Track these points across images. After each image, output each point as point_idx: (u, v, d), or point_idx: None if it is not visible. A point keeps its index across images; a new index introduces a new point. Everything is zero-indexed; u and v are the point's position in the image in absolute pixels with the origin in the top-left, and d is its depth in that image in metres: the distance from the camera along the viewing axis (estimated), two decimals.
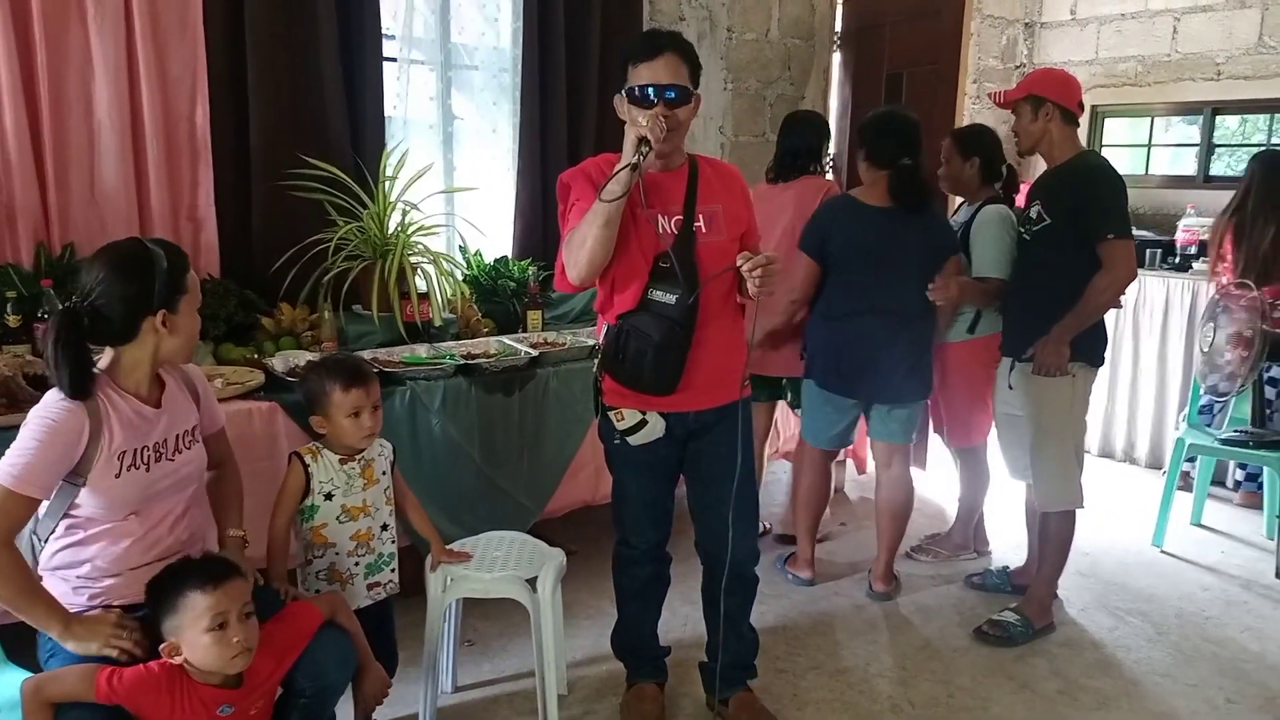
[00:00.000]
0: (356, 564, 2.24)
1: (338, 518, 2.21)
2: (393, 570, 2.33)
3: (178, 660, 1.68)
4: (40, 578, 1.80)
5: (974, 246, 3.22)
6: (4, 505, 1.69)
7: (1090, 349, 2.88)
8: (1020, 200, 3.35)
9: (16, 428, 2.17)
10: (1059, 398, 2.90)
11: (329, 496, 2.19)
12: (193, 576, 1.69)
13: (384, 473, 2.31)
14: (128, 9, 3.03)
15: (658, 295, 2.17)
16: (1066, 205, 2.82)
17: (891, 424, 3.18)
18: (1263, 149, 4.39)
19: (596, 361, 2.32)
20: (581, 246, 2.11)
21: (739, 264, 2.09)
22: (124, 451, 1.80)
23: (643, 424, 2.26)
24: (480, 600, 2.61)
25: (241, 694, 1.76)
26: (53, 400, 1.76)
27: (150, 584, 1.74)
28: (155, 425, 1.88)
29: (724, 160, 2.43)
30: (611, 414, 2.29)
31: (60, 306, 1.82)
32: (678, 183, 2.24)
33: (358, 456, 2.25)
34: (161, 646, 1.69)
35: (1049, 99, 2.86)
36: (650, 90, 2.12)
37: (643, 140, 2.05)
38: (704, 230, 2.23)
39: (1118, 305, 3.00)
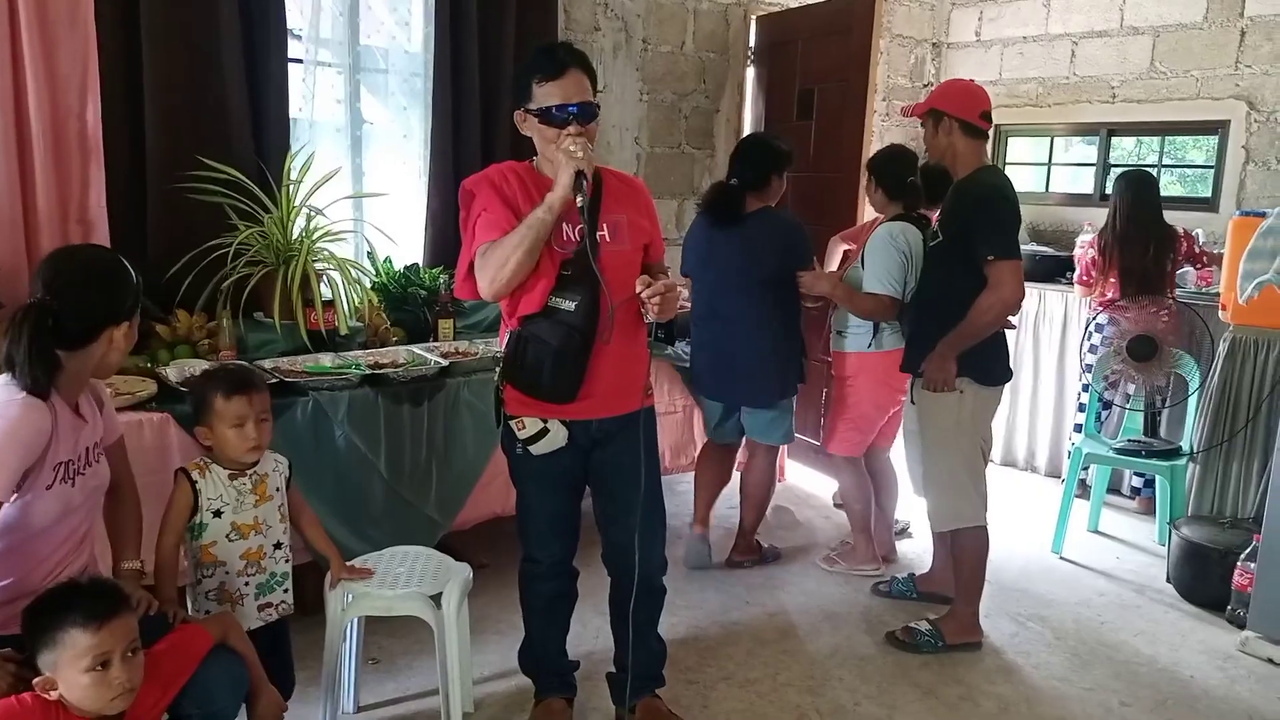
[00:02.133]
0: (247, 583, 2.13)
1: (227, 535, 2.11)
2: (285, 590, 2.22)
3: (53, 696, 1.58)
4: None
5: (864, 265, 3.33)
6: None
7: (979, 366, 2.86)
8: None
9: None
10: (945, 414, 2.92)
11: (218, 514, 2.10)
12: (75, 611, 1.56)
13: (278, 489, 2.20)
14: (11, 2, 2.88)
15: (559, 302, 2.16)
16: (955, 224, 2.87)
17: (754, 423, 3.47)
18: (1128, 169, 4.59)
19: (498, 370, 2.28)
20: (502, 266, 2.09)
21: (638, 289, 2.11)
22: (60, 463, 1.74)
23: (544, 433, 2.23)
24: (386, 617, 2.54)
25: None
26: (10, 397, 1.67)
27: (28, 609, 1.62)
28: (81, 436, 1.81)
29: (631, 174, 2.42)
30: (513, 423, 2.26)
31: (32, 301, 1.74)
32: None
33: (249, 472, 2.15)
34: (36, 681, 1.57)
35: (946, 113, 2.88)
36: (568, 109, 2.12)
37: (579, 174, 2.05)
38: (608, 239, 2.23)
39: (1007, 325, 2.96)
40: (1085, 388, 4.26)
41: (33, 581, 1.75)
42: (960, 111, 2.87)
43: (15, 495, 1.68)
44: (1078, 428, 4.38)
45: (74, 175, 3.07)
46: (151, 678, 1.69)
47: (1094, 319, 4.31)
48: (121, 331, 1.80)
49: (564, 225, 2.17)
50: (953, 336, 2.82)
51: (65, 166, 3.05)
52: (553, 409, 2.22)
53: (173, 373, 2.79)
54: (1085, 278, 4.38)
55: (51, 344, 1.71)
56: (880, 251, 3.28)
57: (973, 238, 2.79)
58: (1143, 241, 4.13)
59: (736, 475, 3.73)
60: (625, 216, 2.27)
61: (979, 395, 2.91)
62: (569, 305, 2.15)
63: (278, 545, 2.19)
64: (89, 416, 1.87)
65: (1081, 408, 4.34)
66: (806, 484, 4.53)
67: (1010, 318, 2.91)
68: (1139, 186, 4.21)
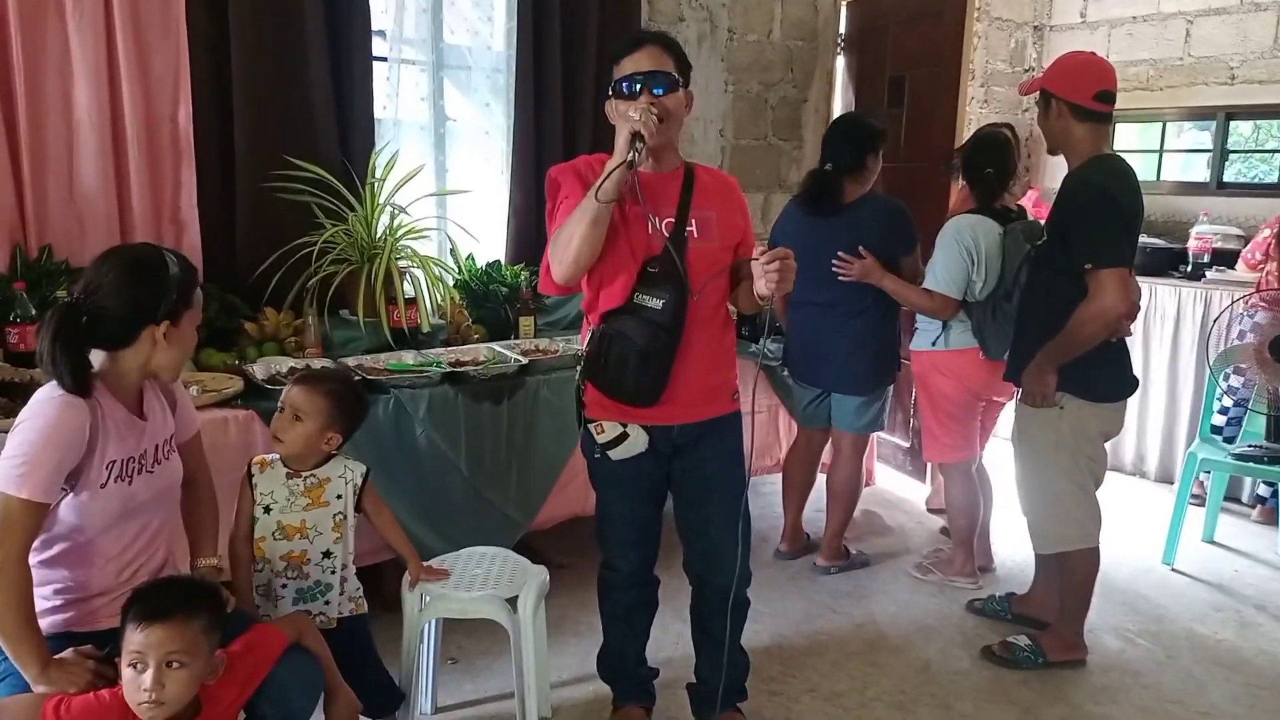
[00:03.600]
0: (285, 585, 2.09)
1: (273, 534, 2.07)
2: (327, 602, 2.11)
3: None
4: None
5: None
6: (15, 518, 1.60)
7: (1081, 380, 2.63)
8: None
9: None
10: (1043, 430, 2.73)
11: (267, 510, 2.07)
12: (136, 605, 1.57)
13: (339, 496, 2.13)
14: (108, 6, 2.94)
15: (644, 299, 2.08)
16: (1057, 225, 2.65)
17: (841, 411, 3.36)
18: None
19: (579, 369, 2.22)
20: (568, 244, 2.01)
21: (758, 259, 1.97)
22: (113, 461, 1.73)
23: (624, 437, 2.16)
24: (464, 618, 2.52)
25: None
26: (49, 396, 1.67)
27: (123, 605, 1.62)
28: (141, 435, 1.81)
29: (722, 170, 2.33)
30: (592, 426, 2.19)
31: (62, 301, 1.75)
32: (672, 185, 2.16)
33: (305, 474, 2.12)
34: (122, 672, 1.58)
35: (1054, 94, 2.63)
36: (632, 80, 2.04)
37: (636, 135, 1.95)
38: (696, 235, 2.14)
39: (1119, 335, 2.71)
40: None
41: (104, 580, 1.75)
42: (1069, 92, 2.59)
43: (68, 494, 1.68)
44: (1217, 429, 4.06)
45: (167, 176, 3.15)
46: (228, 677, 1.68)
47: (1246, 309, 3.98)
48: (162, 331, 1.76)
49: (650, 218, 2.09)
50: (1051, 348, 2.62)
51: (159, 168, 3.13)
52: (633, 413, 2.15)
53: (259, 370, 2.82)
54: (1257, 259, 4.07)
55: (83, 344, 1.69)
56: (943, 247, 3.14)
57: (1072, 241, 2.56)
58: None
59: (823, 479, 3.60)
60: (715, 213, 2.18)
61: (1082, 411, 2.68)
62: (655, 304, 2.07)
63: (326, 554, 2.10)
64: (154, 415, 1.86)
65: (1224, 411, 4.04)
66: (898, 488, 4.37)
67: (1127, 324, 2.69)
68: None
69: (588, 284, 2.17)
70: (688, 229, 2.13)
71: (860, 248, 3.12)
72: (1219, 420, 4.01)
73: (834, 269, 3.14)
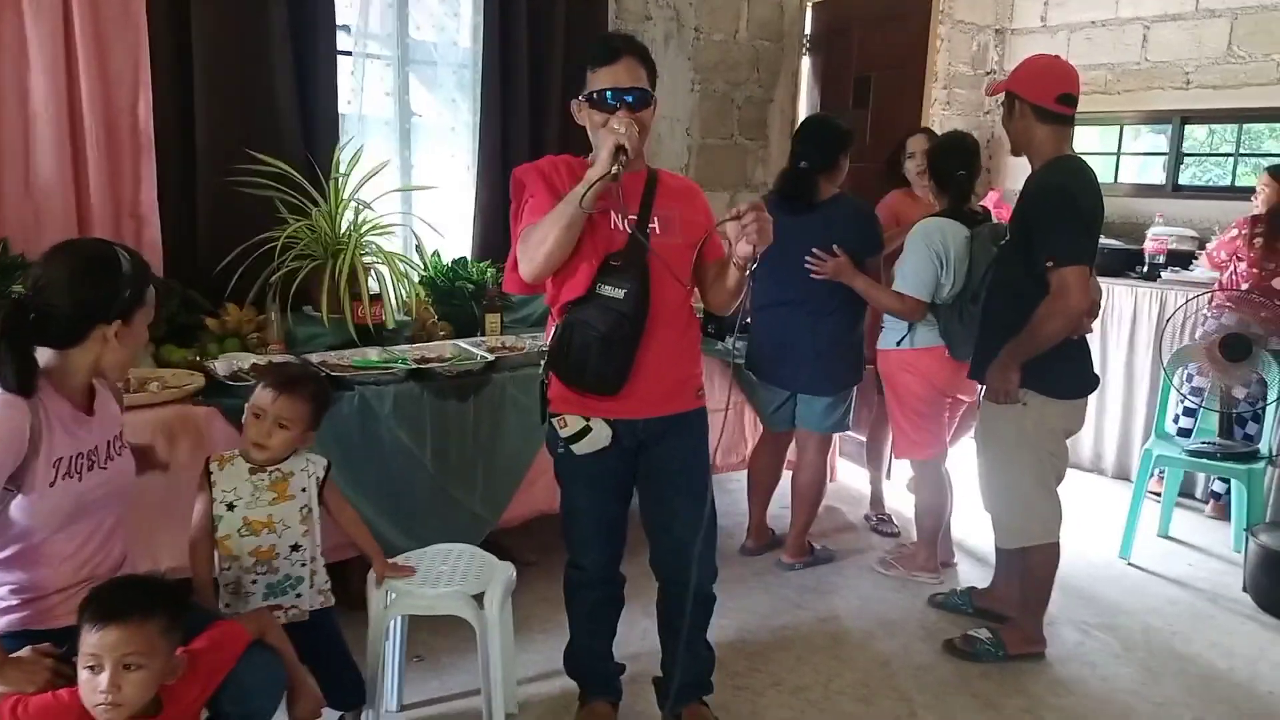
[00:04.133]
0: (255, 581, 2.07)
1: (239, 530, 2.05)
2: (299, 595, 2.12)
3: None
4: None
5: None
6: None
7: (1045, 377, 2.67)
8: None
9: None
10: (1007, 426, 2.76)
11: (230, 507, 2.05)
12: (91, 606, 1.55)
13: (303, 489, 2.13)
14: None
15: (606, 290, 2.09)
16: (1019, 223, 2.68)
17: (808, 412, 3.38)
18: None
19: (543, 364, 2.23)
20: (541, 245, 2.04)
21: (730, 216, 2.01)
22: (60, 458, 1.70)
23: (586, 431, 2.16)
24: (430, 614, 2.51)
25: None
26: None
27: (80, 605, 1.59)
28: (90, 431, 1.78)
29: (686, 175, 2.37)
30: (554, 420, 2.20)
31: (9, 298, 1.72)
32: (635, 185, 2.19)
33: (270, 468, 2.10)
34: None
35: (1019, 96, 2.67)
36: (610, 94, 2.08)
37: (620, 149, 1.99)
38: (658, 231, 2.17)
39: (1080, 332, 2.72)
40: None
41: (60, 578, 1.73)
42: (1032, 94, 2.63)
43: (15, 495, 1.66)
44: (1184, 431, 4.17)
45: (126, 170, 3.11)
46: (189, 675, 1.66)
47: (1211, 310, 4.07)
48: (114, 330, 1.73)
49: (612, 215, 2.12)
50: (1014, 345, 2.65)
51: (118, 162, 3.09)
52: (597, 406, 2.16)
53: (221, 366, 2.78)
54: (1223, 259, 4.16)
55: (30, 342, 1.66)
56: (912, 250, 3.17)
57: (1034, 238, 2.60)
58: None
59: (787, 475, 3.63)
60: (677, 212, 2.21)
61: (1045, 408, 2.71)
62: (618, 293, 2.09)
63: (295, 547, 2.10)
64: (103, 410, 1.84)
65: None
66: (859, 484, 4.41)
67: (1088, 322, 2.74)
68: None
69: (551, 279, 2.18)
70: (650, 225, 2.16)
71: (835, 246, 3.15)
72: (1186, 423, 4.10)
73: (807, 265, 3.17)
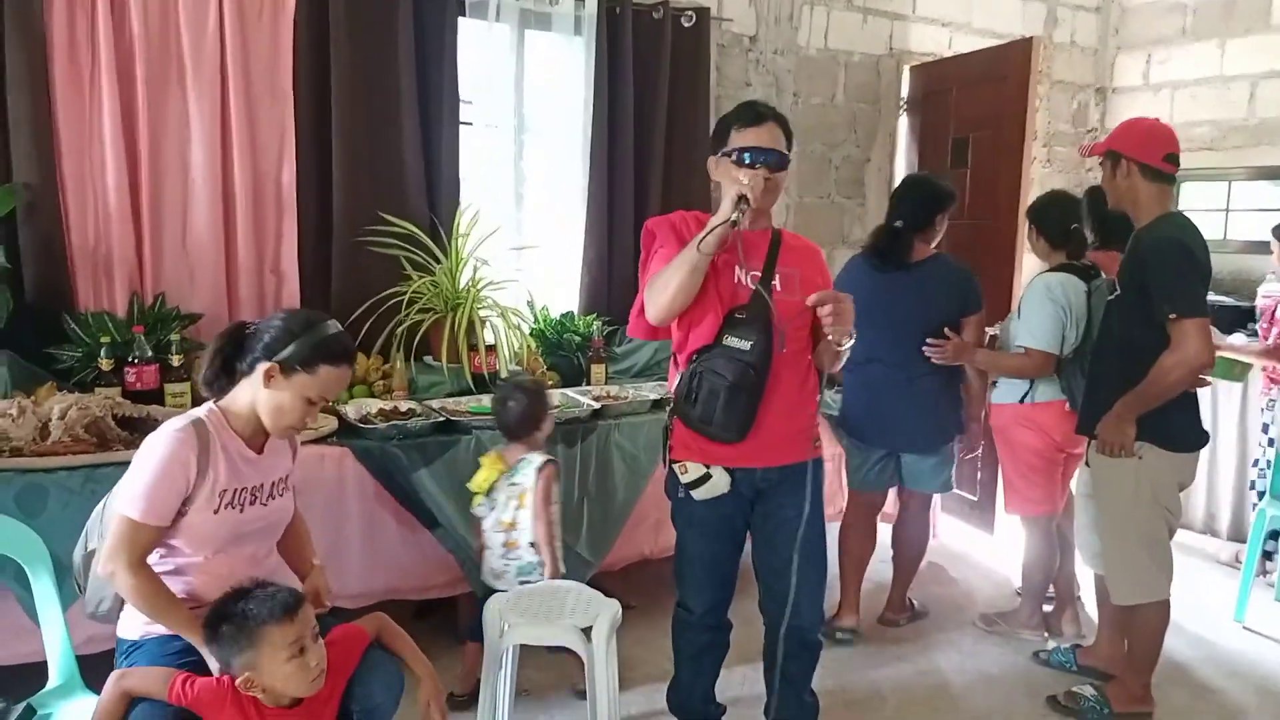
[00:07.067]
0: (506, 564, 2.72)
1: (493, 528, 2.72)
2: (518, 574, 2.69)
3: (255, 692, 1.73)
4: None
5: (1019, 316, 3.23)
6: (134, 535, 1.81)
7: (1161, 430, 2.66)
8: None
9: (108, 465, 2.32)
10: (1122, 481, 2.74)
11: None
12: (264, 610, 1.72)
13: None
14: (223, 75, 3.23)
15: (732, 341, 2.21)
16: (1134, 278, 2.69)
17: (913, 471, 3.35)
18: None
19: (669, 409, 2.34)
20: (665, 290, 2.16)
21: (810, 301, 2.12)
22: (225, 490, 1.90)
23: (706, 477, 2.26)
24: (536, 652, 2.63)
25: (301, 713, 1.79)
26: (165, 430, 1.87)
27: (212, 619, 1.76)
28: (255, 469, 1.97)
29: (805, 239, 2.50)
30: (676, 466, 2.31)
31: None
32: (761, 242, 2.31)
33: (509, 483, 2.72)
34: (239, 681, 1.72)
35: (1124, 155, 2.71)
36: (750, 153, 2.22)
37: (742, 198, 2.12)
38: (779, 288, 2.27)
39: (1197, 385, 2.73)
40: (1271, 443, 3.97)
41: (215, 593, 1.87)
42: (1140, 153, 2.68)
43: (184, 515, 1.86)
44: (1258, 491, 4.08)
45: (270, 230, 3.40)
46: (328, 666, 1.82)
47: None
48: (267, 369, 1.88)
49: (736, 270, 2.24)
50: (1131, 397, 2.65)
51: (263, 222, 3.38)
52: (718, 454, 2.26)
53: (350, 410, 3.01)
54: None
55: (234, 352, 1.95)
56: (1035, 304, 3.16)
57: (1152, 294, 2.61)
58: None
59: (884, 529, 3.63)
60: (798, 271, 2.32)
61: (1160, 461, 2.69)
62: (744, 345, 2.19)
63: (532, 544, 2.71)
64: (273, 453, 2.03)
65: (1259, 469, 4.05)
66: (961, 541, 4.38)
67: (1204, 376, 2.73)
68: None
69: (678, 325, 2.30)
70: (773, 282, 2.27)
71: (946, 329, 3.16)
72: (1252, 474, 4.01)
73: (925, 351, 3.17)
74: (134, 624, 1.91)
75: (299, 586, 2.06)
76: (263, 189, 3.37)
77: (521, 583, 2.67)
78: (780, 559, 2.33)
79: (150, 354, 2.92)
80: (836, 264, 4.59)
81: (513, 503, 2.72)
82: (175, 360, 2.93)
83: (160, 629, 1.87)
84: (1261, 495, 4.05)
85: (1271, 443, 4.00)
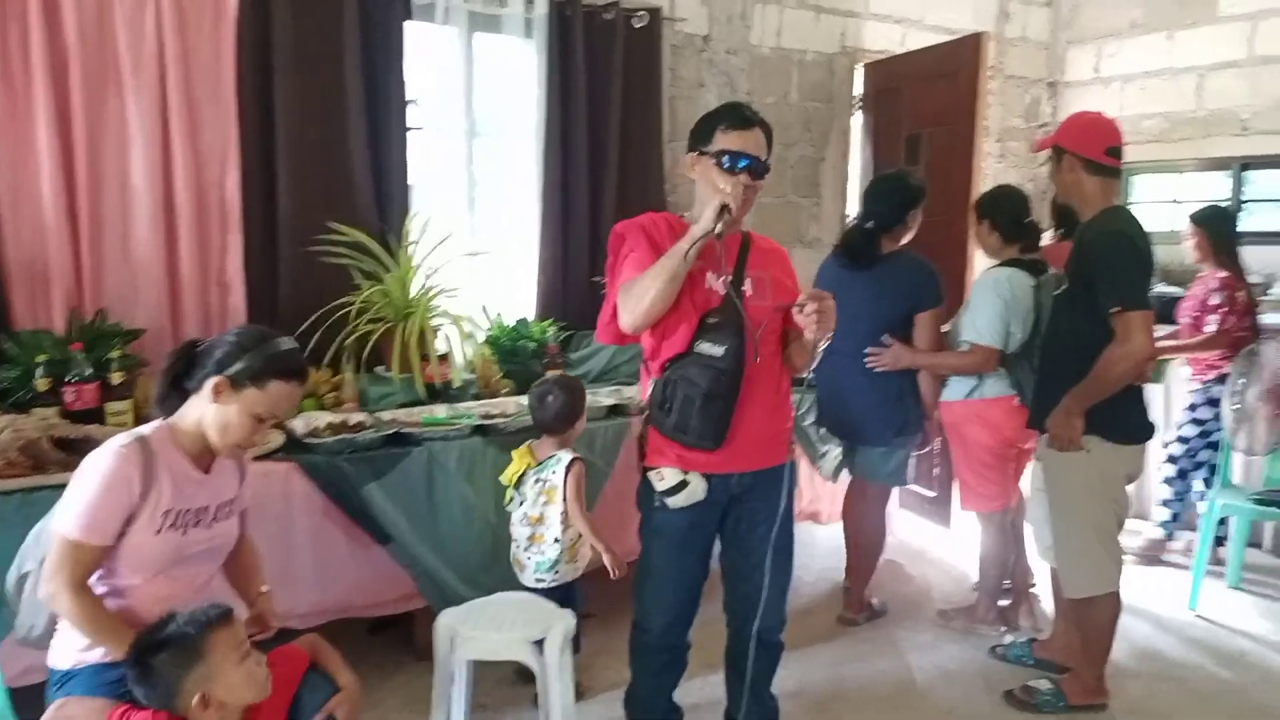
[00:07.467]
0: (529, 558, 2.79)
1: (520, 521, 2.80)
2: (555, 573, 2.78)
3: (211, 713, 1.67)
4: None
5: (965, 312, 3.25)
6: (75, 555, 1.76)
7: (1109, 423, 2.68)
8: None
9: (43, 489, 2.26)
10: (1071, 474, 2.77)
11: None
12: (199, 620, 1.68)
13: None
14: (163, 81, 3.16)
15: (705, 348, 2.18)
16: (1080, 272, 2.71)
17: (865, 461, 3.41)
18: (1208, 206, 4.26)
19: (644, 418, 2.31)
20: (642, 298, 2.12)
21: (799, 303, 2.08)
22: (169, 510, 1.85)
23: (683, 485, 2.23)
24: (494, 666, 2.60)
25: None
26: (108, 446, 1.82)
27: (140, 657, 1.67)
28: (201, 490, 1.93)
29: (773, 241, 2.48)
30: (651, 474, 2.27)
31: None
32: (730, 247, 2.28)
33: (537, 479, 2.80)
34: (194, 702, 1.65)
35: (1066, 149, 2.74)
36: (742, 159, 2.19)
37: (724, 208, 2.09)
38: (749, 293, 2.26)
39: (1142, 379, 2.78)
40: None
41: (151, 618, 1.81)
42: (1082, 148, 2.71)
43: (125, 535, 1.81)
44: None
45: (214, 241, 3.33)
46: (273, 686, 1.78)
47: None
48: (215, 384, 1.84)
49: (708, 275, 2.21)
50: (1079, 391, 2.67)
51: (206, 233, 3.32)
52: (694, 460, 2.23)
53: (299, 425, 2.95)
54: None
55: (183, 370, 1.91)
56: (980, 300, 3.19)
57: (1097, 287, 2.63)
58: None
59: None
60: (769, 274, 2.31)
61: (1109, 454, 2.72)
62: (717, 350, 2.17)
63: (555, 540, 2.77)
64: (220, 474, 1.98)
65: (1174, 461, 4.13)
66: (919, 537, 4.40)
67: (1150, 368, 2.75)
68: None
69: (650, 333, 2.26)
70: (743, 286, 2.26)
71: (884, 337, 3.22)
72: (1176, 450, 4.08)
73: (865, 359, 3.24)
74: (66, 653, 1.86)
75: (244, 612, 2.03)
76: (206, 198, 3.30)
77: (538, 579, 2.77)
78: (749, 562, 2.33)
79: (90, 372, 2.84)
80: (795, 263, 4.60)
81: (541, 498, 2.77)
82: (116, 378, 2.86)
83: (94, 657, 1.82)
84: (1173, 486, 4.14)
85: (1184, 440, 4.05)
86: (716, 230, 2.08)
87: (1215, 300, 3.92)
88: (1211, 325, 3.91)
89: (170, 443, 1.89)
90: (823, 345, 2.14)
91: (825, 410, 3.47)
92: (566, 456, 2.78)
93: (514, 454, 2.84)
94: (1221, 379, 3.90)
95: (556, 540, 2.76)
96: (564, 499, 2.75)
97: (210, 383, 1.86)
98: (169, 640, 1.68)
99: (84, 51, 3.04)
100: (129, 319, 3.14)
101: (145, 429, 1.90)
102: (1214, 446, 3.94)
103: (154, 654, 1.68)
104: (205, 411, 1.88)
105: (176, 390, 1.92)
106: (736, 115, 2.25)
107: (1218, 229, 4.02)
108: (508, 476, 2.82)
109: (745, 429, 2.22)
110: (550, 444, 2.82)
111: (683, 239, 2.11)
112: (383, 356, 3.37)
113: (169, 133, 3.20)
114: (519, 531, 2.82)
